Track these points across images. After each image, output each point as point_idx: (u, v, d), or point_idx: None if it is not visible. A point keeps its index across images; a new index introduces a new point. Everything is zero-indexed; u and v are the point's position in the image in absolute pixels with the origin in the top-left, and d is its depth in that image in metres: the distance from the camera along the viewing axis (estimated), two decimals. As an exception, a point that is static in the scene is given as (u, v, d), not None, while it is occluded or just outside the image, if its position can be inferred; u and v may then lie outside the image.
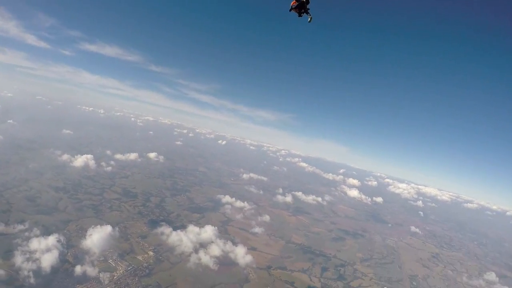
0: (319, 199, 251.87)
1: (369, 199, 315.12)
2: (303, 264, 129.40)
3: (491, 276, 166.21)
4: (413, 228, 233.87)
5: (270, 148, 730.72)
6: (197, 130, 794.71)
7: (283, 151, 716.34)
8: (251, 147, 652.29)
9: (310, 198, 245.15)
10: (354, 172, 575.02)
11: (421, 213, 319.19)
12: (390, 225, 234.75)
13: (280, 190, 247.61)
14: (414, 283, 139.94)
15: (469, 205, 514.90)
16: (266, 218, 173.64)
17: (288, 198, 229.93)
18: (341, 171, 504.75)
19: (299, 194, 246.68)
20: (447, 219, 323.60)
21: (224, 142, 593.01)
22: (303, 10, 25.93)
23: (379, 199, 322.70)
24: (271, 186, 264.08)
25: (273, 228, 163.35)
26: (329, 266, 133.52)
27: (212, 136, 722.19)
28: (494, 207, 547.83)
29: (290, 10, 26.22)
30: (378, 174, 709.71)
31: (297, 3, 25.74)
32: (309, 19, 26.18)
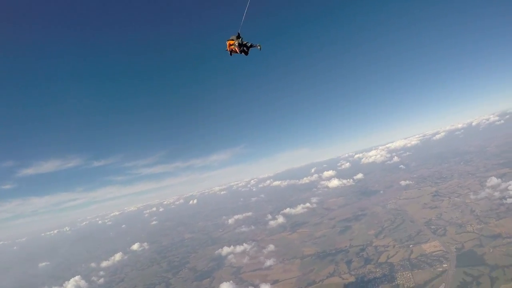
0: (307, 205, 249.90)
1: (350, 180, 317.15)
2: (327, 270, 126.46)
3: (493, 180, 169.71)
4: (403, 183, 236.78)
5: (239, 184, 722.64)
6: (165, 202, 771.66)
7: (252, 181, 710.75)
8: (222, 192, 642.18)
9: (299, 209, 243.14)
10: (325, 165, 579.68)
11: (402, 166, 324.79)
12: (381, 191, 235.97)
13: (269, 216, 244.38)
14: (433, 226, 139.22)
15: (438, 136, 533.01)
16: (271, 247, 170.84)
17: (280, 219, 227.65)
18: (313, 170, 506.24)
19: (288, 210, 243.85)
20: (426, 158, 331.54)
21: (195, 201, 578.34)
22: (245, 48, 26.28)
23: (359, 176, 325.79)
24: (259, 217, 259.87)
25: (282, 254, 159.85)
26: (351, 258, 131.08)
27: (181, 201, 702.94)
28: (460, 125, 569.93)
29: (232, 54, 26.76)
30: (346, 155, 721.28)
31: (237, 44, 26.02)
32: (259, 48, 26.40)
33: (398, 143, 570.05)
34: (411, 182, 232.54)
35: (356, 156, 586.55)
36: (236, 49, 26.13)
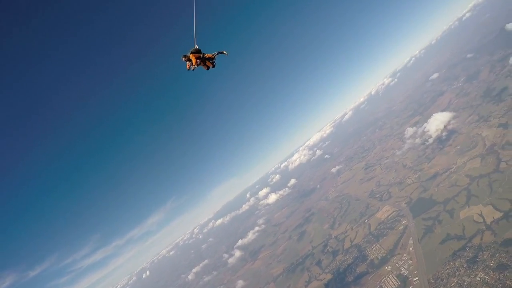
0: (257, 228, 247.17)
1: (286, 189, 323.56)
2: (303, 279, 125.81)
3: (409, 131, 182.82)
4: (333, 170, 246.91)
5: (184, 238, 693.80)
6: (118, 287, 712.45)
7: (195, 229, 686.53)
8: (171, 253, 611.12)
9: (251, 236, 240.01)
10: (257, 186, 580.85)
11: (327, 156, 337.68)
12: (318, 186, 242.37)
13: (225, 256, 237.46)
14: (377, 195, 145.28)
15: (346, 116, 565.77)
16: (240, 283, 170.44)
17: (237, 253, 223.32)
18: (248, 195, 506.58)
19: (241, 242, 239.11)
20: (345, 139, 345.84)
21: (148, 273, 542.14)
22: (209, 60, 25.14)
23: (292, 181, 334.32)
24: (217, 261, 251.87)
25: (254, 285, 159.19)
26: (319, 258, 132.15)
27: (134, 278, 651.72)
28: (362, 99, 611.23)
29: (193, 70, 25.07)
30: (273, 168, 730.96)
31: (197, 57, 24.53)
32: (226, 53, 25.63)
33: (315, 138, 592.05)
34: (341, 166, 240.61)
35: (283, 165, 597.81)
36: (199, 62, 24.66)
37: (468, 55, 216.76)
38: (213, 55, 25.11)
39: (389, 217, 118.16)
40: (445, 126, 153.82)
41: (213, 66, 25.43)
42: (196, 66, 24.72)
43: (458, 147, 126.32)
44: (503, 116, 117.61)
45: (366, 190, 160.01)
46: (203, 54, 24.90)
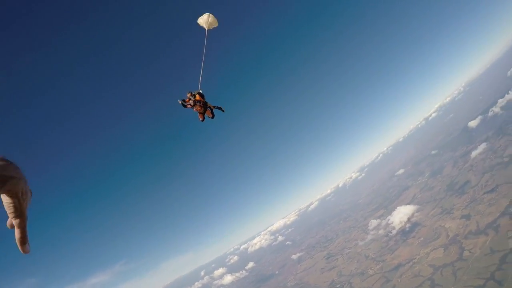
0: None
1: (243, 271, 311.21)
2: None
3: (373, 223, 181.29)
4: (294, 257, 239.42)
5: None
6: None
7: None
8: None
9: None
10: (213, 265, 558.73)
11: (289, 242, 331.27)
12: (277, 272, 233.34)
13: None
14: (338, 285, 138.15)
15: (312, 206, 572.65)
16: None
17: None
18: (202, 273, 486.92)
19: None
20: (308, 228, 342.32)
21: None
22: (211, 109, 23.99)
23: (251, 264, 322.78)
24: None
25: None
26: None
27: None
28: (329, 191, 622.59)
29: (189, 107, 23.66)
30: (232, 249, 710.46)
31: (200, 102, 23.33)
32: (223, 110, 24.39)
33: (278, 224, 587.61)
34: (302, 254, 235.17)
35: (242, 247, 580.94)
36: (200, 107, 23.35)
37: (433, 152, 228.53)
38: (214, 106, 24.03)
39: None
40: (408, 219, 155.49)
41: (213, 117, 24.10)
42: (198, 107, 23.34)
43: (421, 239, 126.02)
44: (466, 208, 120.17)
45: (327, 279, 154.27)
46: (205, 101, 23.69)
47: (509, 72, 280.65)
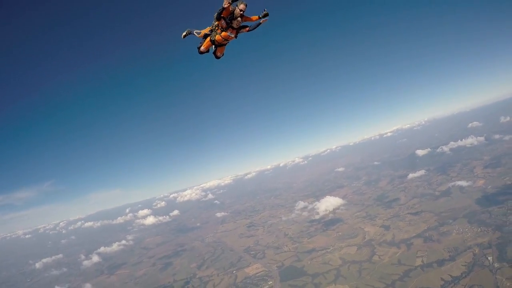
0: (124, 242, 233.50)
1: (167, 217, 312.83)
2: None
3: (300, 204, 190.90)
4: (219, 215, 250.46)
5: (47, 227, 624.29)
6: None
7: (61, 223, 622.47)
8: (27, 236, 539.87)
9: (115, 247, 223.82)
10: (140, 205, 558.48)
11: (217, 201, 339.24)
12: (198, 225, 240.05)
13: (82, 257, 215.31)
14: (252, 252, 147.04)
15: (249, 175, 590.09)
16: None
17: (95, 258, 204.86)
18: (127, 210, 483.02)
19: (103, 249, 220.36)
20: (240, 195, 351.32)
21: None
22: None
23: (175, 212, 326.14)
24: (71, 260, 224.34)
25: None
26: None
27: None
28: (269, 167, 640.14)
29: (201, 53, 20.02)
30: (161, 195, 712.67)
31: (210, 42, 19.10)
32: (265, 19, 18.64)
33: (212, 183, 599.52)
34: (226, 215, 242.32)
35: (172, 195, 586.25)
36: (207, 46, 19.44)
37: (375, 163, 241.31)
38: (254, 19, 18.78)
39: (257, 274, 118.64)
40: (334, 209, 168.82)
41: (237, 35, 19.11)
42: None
43: (340, 233, 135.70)
44: (387, 220, 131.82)
45: (243, 245, 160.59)
46: (242, 15, 18.28)
47: (470, 124, 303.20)
